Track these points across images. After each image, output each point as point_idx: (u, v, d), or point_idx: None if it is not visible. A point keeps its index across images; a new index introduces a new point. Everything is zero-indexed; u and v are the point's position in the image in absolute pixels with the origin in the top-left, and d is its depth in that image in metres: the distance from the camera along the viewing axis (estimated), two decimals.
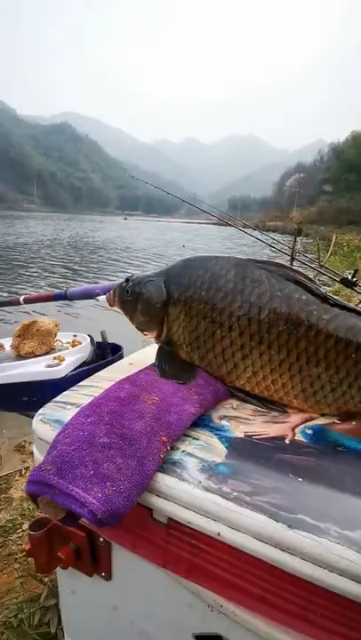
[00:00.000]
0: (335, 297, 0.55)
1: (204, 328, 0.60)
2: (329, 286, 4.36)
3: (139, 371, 0.61)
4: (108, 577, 0.55)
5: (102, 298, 0.81)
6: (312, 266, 2.87)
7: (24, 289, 6.25)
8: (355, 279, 2.33)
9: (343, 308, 0.54)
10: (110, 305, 0.76)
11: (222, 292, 0.58)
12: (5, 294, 5.90)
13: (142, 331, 0.69)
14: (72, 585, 0.61)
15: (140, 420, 0.48)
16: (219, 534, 0.40)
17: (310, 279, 0.57)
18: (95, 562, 0.54)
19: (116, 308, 0.75)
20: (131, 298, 0.68)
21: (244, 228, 2.85)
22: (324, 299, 0.55)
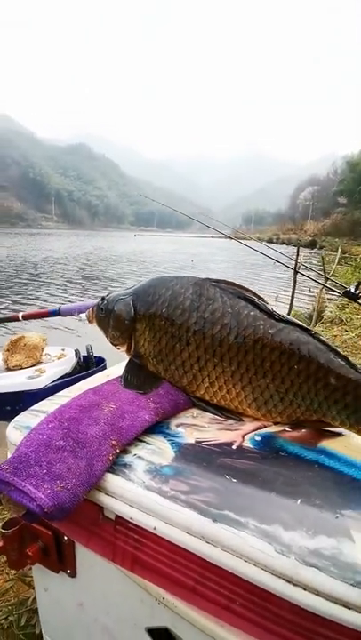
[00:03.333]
0: (280, 313, 0.59)
1: (165, 342, 0.65)
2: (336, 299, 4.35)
3: (106, 381, 0.67)
4: (73, 574, 0.59)
5: (84, 315, 0.87)
6: (317, 280, 2.88)
7: (54, 297, 6.76)
8: (358, 292, 2.35)
9: (288, 322, 0.59)
10: (89, 322, 0.82)
11: (180, 309, 0.63)
12: (41, 303, 6.45)
13: (115, 345, 0.75)
14: (44, 583, 0.65)
15: (95, 425, 0.53)
16: (155, 528, 0.44)
17: (259, 296, 0.62)
18: (61, 559, 0.59)
19: (94, 324, 0.81)
20: (104, 315, 0.74)
21: (246, 241, 2.90)
22: (271, 314, 0.59)
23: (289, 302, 3.39)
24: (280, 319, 0.59)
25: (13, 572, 1.15)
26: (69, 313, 1.18)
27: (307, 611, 0.36)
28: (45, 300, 6.98)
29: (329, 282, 3.78)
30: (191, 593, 0.44)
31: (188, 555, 0.43)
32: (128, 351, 0.73)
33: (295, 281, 3.19)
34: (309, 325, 4.05)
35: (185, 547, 0.42)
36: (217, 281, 0.64)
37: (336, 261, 4.05)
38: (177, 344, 0.64)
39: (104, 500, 0.49)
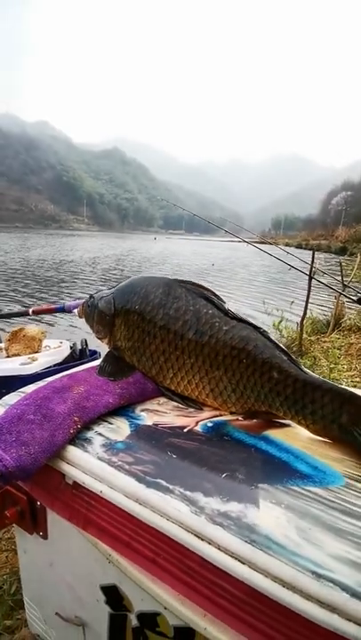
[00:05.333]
0: (234, 312, 0.65)
1: (137, 336, 0.72)
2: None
3: (84, 369, 0.75)
4: (45, 536, 0.67)
5: (76, 311, 0.95)
6: (330, 285, 2.87)
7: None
8: None
9: (240, 320, 0.65)
10: (80, 317, 0.91)
11: (150, 306, 0.70)
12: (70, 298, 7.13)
13: (99, 338, 0.83)
14: (23, 545, 0.74)
15: (63, 404, 0.60)
16: (101, 492, 0.51)
17: (217, 296, 0.68)
18: (35, 522, 0.67)
19: (83, 320, 0.89)
20: (90, 311, 0.82)
21: (265, 245, 2.94)
22: (226, 313, 0.65)
23: (303, 307, 3.38)
24: (234, 317, 0.65)
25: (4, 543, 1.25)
26: (72, 309, 1.28)
27: (211, 564, 0.42)
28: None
29: (348, 289, 3.74)
30: (127, 549, 0.50)
31: (125, 514, 0.50)
32: (109, 344, 0.80)
33: (310, 286, 3.19)
34: (326, 332, 4.00)
35: (123, 507, 0.49)
36: (184, 282, 0.71)
37: (356, 267, 3.98)
38: (146, 337, 0.71)
39: (65, 467, 0.57)
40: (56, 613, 0.70)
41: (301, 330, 3.35)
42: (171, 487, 0.47)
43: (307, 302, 3.33)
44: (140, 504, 0.48)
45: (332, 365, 2.75)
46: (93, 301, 0.82)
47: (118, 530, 0.51)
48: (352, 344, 3.54)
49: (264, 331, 0.63)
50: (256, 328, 0.64)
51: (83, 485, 0.54)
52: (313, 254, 3.10)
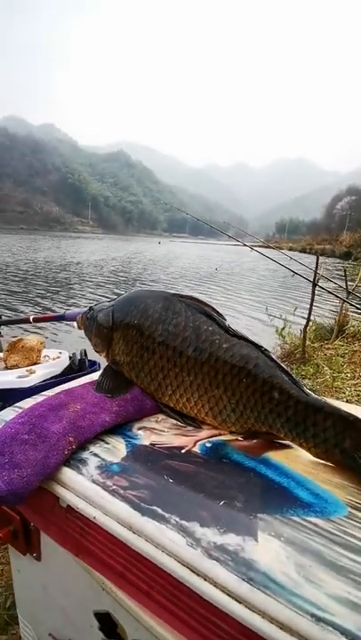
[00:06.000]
0: (235, 329, 0.64)
1: (135, 351, 0.71)
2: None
3: (81, 384, 0.73)
4: (39, 557, 0.65)
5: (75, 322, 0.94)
6: (333, 292, 2.84)
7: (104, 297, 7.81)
8: None
9: (241, 338, 0.63)
10: (79, 328, 0.89)
11: (149, 321, 0.69)
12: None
13: (97, 351, 0.81)
14: (17, 565, 0.72)
15: (58, 422, 0.59)
16: (94, 518, 0.50)
17: (218, 312, 0.66)
18: (28, 543, 0.65)
19: (82, 331, 0.88)
20: (89, 323, 0.81)
21: (266, 250, 2.91)
22: (227, 330, 0.64)
23: (307, 314, 3.35)
24: (234, 335, 0.63)
25: (7, 559, 1.23)
26: (72, 318, 1.27)
27: (207, 601, 0.40)
28: (96, 299, 7.82)
29: (352, 295, 3.70)
30: (121, 579, 0.49)
31: (119, 543, 0.48)
32: (107, 358, 0.79)
33: (313, 293, 3.16)
34: (329, 339, 3.97)
35: (117, 535, 0.48)
36: (183, 296, 0.69)
37: (359, 277, 3.96)
38: (145, 353, 0.69)
39: (59, 490, 0.55)
40: (49, 634, 0.69)
41: (305, 337, 3.32)
42: (167, 516, 0.46)
43: (310, 308, 3.31)
44: (135, 532, 0.46)
45: (335, 374, 2.72)
46: (93, 314, 0.81)
47: (112, 559, 0.49)
48: (356, 351, 3.51)
49: (265, 349, 0.62)
50: (257, 346, 0.62)
51: (76, 510, 0.52)
52: (317, 260, 3.08)
